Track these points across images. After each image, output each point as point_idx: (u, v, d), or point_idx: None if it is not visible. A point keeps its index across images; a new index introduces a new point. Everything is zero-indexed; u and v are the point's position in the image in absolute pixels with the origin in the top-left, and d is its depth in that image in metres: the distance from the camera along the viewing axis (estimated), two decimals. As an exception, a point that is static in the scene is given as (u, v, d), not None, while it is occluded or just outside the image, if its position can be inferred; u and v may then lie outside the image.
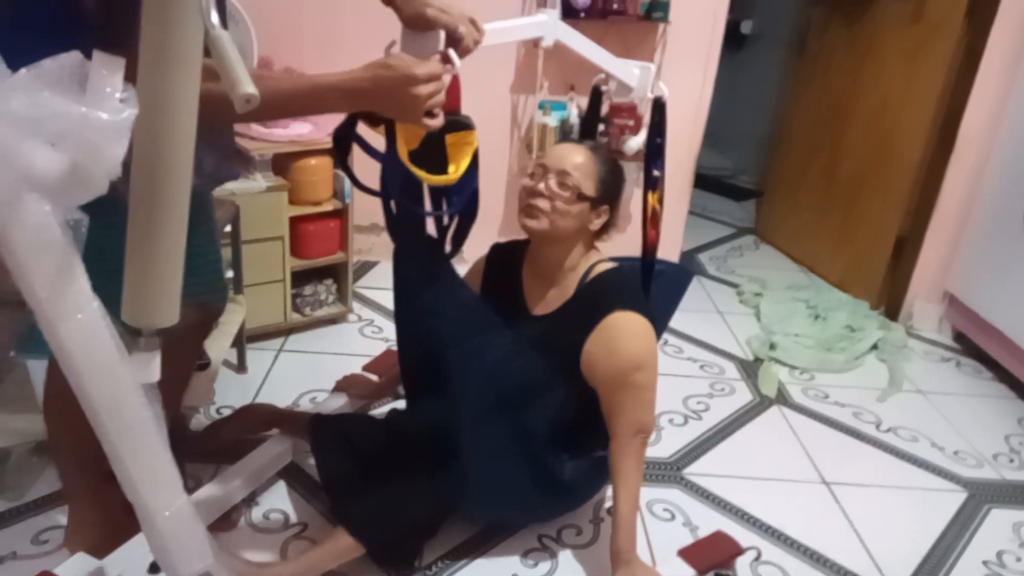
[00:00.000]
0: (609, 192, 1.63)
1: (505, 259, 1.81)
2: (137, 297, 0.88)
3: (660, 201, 1.76)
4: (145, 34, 0.77)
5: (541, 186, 1.59)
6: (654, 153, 1.74)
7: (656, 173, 1.73)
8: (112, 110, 0.71)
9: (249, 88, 0.70)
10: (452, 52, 1.32)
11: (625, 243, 1.72)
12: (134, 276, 0.87)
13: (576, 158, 1.60)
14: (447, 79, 1.29)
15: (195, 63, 0.79)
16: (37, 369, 1.71)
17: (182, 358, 1.58)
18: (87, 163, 0.72)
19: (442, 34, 1.32)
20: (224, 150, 1.44)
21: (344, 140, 1.49)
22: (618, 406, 1.57)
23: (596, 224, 1.64)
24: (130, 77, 0.78)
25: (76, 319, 0.86)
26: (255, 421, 1.92)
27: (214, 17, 0.75)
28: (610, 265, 1.67)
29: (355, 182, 1.56)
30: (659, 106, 1.73)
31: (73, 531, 1.60)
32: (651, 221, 1.75)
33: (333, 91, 1.18)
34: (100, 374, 0.92)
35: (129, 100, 0.73)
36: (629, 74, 1.77)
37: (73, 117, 0.69)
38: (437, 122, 1.28)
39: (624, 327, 1.57)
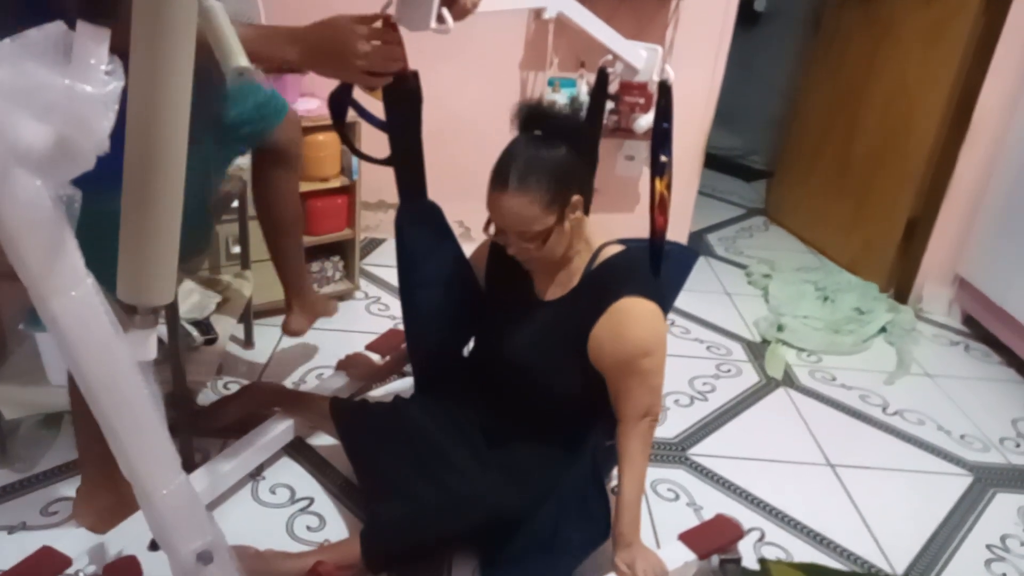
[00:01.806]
0: (568, 184, 1.52)
1: None
2: (132, 275, 0.87)
3: (668, 187, 1.72)
4: (137, 4, 0.76)
5: (512, 250, 1.57)
6: (661, 138, 1.68)
7: (663, 159, 1.69)
8: (97, 83, 0.69)
9: (242, 61, 0.69)
10: (446, 12, 1.29)
11: (634, 226, 1.69)
12: (129, 254, 0.86)
13: (514, 206, 1.48)
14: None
15: (189, 34, 0.77)
16: (46, 342, 1.72)
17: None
18: (73, 137, 0.70)
19: None
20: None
21: (339, 105, 1.48)
22: (625, 391, 1.56)
23: (578, 214, 1.57)
24: (119, 48, 0.76)
25: (70, 296, 0.85)
26: (259, 400, 1.93)
27: (207, -14, 0.74)
28: (617, 248, 1.64)
29: (352, 148, 1.54)
30: (665, 90, 1.65)
31: (83, 500, 1.62)
32: (659, 207, 1.71)
33: (281, 34, 1.20)
34: (95, 352, 0.91)
35: (115, 72, 0.71)
36: (635, 55, 1.74)
37: (57, 89, 0.67)
38: (377, 82, 1.31)
39: (632, 313, 1.55)
